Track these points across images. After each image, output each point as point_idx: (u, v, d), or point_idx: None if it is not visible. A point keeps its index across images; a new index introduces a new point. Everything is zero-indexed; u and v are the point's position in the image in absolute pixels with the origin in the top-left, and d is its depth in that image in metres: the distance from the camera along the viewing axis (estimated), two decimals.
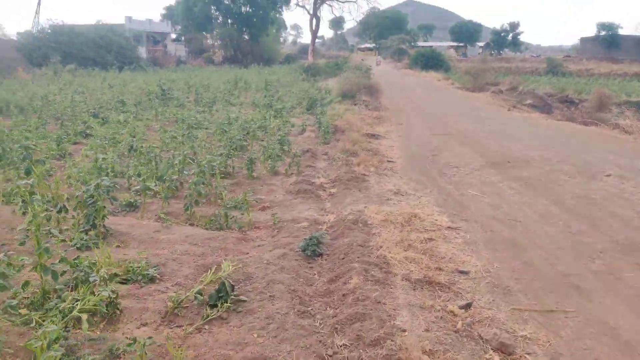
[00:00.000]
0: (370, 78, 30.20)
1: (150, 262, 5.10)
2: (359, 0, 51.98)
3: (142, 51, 47.69)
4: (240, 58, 54.87)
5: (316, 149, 11.55)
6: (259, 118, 14.12)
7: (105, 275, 4.25)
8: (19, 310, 3.95)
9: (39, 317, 3.83)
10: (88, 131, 11.91)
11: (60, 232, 5.85)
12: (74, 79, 28.78)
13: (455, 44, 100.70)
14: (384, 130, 15.15)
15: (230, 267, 4.61)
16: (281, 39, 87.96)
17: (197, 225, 6.39)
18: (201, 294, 4.26)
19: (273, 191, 8.02)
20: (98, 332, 3.92)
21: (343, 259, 5.21)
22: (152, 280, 4.80)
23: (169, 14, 62.80)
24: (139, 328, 4.02)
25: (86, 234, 5.64)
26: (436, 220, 6.62)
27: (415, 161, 10.75)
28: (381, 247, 5.40)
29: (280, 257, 5.22)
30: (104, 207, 5.74)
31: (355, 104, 20.57)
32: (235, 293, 4.38)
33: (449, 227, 6.40)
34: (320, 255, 5.39)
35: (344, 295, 4.42)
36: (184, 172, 7.20)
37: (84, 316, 3.61)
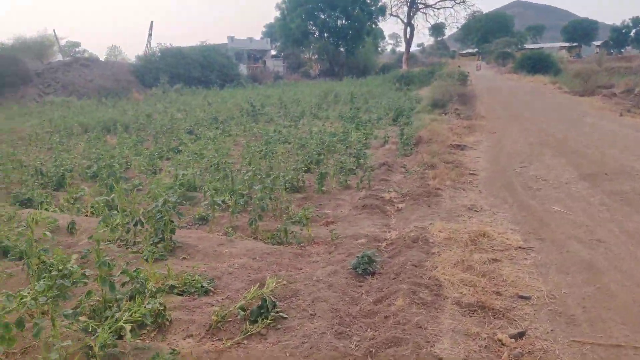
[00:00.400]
0: (465, 85, 29.20)
1: (208, 275, 5.32)
2: (456, 6, 50.29)
3: (243, 69, 50.21)
4: (336, 71, 55.79)
5: (394, 162, 11.37)
6: (341, 131, 14.20)
7: (154, 288, 4.50)
8: (79, 318, 4.31)
9: (95, 325, 4.15)
10: (180, 147, 12.73)
11: (134, 244, 6.34)
12: (180, 98, 31.05)
13: (567, 44, 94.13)
14: (473, 140, 14.52)
15: (274, 284, 4.67)
16: (379, 49, 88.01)
17: (260, 239, 6.57)
18: (244, 309, 4.36)
19: (340, 206, 8.02)
20: (147, 341, 4.16)
21: (394, 278, 5.06)
22: (206, 292, 5.01)
23: (269, 32, 65.54)
24: (184, 339, 4.21)
25: (155, 246, 6.03)
26: (507, 239, 6.20)
27: (500, 174, 10.17)
28: (436, 267, 5.17)
29: (330, 274, 5.20)
30: (172, 221, 6.10)
31: (445, 113, 19.97)
32: (277, 310, 4.43)
33: (519, 247, 5.96)
34: (373, 273, 5.28)
35: (385, 317, 4.29)
36: (253, 187, 7.43)
37: (128, 326, 3.86)
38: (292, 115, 19.75)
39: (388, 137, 14.33)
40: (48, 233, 4.56)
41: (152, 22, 50.68)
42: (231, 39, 57.74)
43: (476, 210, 7.52)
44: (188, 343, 4.15)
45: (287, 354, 3.83)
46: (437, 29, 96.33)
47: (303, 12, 55.39)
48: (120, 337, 4.09)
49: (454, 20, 74.71)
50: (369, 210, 7.54)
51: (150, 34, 49.94)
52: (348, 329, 4.19)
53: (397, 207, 7.82)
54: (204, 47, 45.80)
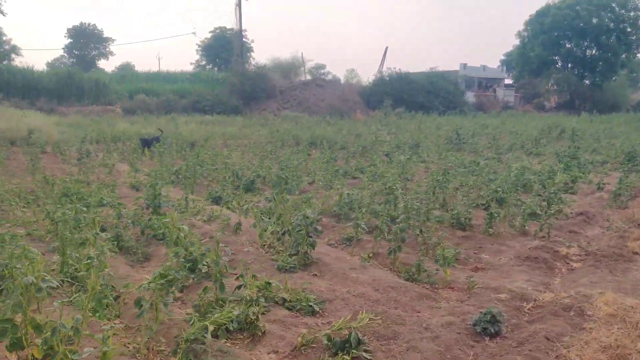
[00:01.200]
0: None
1: (322, 296, 5.30)
2: None
3: (469, 96, 48.91)
4: (576, 104, 50.23)
5: (597, 213, 9.64)
6: (546, 170, 12.70)
7: (248, 297, 4.65)
8: (187, 310, 4.74)
9: (198, 319, 4.50)
10: (369, 168, 13.01)
11: (278, 252, 6.70)
12: (398, 121, 31.83)
13: None
14: None
15: (368, 319, 4.39)
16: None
17: (395, 271, 6.27)
18: (330, 339, 4.20)
19: (501, 252, 7.12)
20: (237, 347, 4.33)
21: (515, 347, 4.28)
22: (312, 313, 5.00)
23: (506, 61, 62.70)
24: (268, 354, 4.26)
25: (290, 257, 6.27)
26: None
27: None
28: (573, 346, 4.18)
29: (444, 325, 4.66)
30: (310, 237, 6.25)
31: None
32: (365, 348, 4.15)
33: None
34: (495, 335, 4.54)
35: None
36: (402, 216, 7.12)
37: (211, 327, 4.07)
38: (501, 148, 18.44)
39: (603, 183, 12.24)
40: (185, 227, 5.14)
41: (386, 48, 53.31)
42: (463, 66, 56.97)
43: None
44: (270, 358, 4.19)
45: None
46: None
47: (546, 40, 51.52)
48: (217, 336, 4.37)
49: None
50: (531, 263, 6.53)
51: (383, 59, 52.54)
52: None
53: (570, 266, 6.60)
54: (432, 73, 46.16)
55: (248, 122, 27.32)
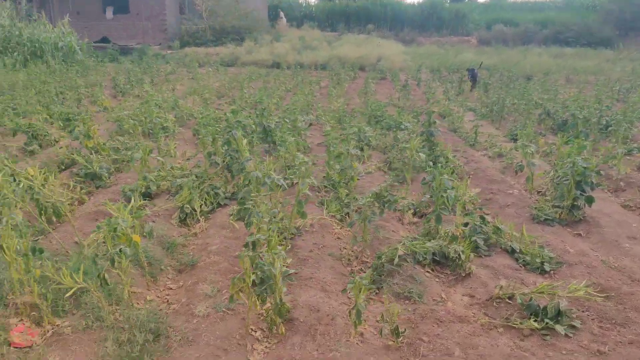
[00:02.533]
0: None
1: (564, 257, 4.55)
2: None
3: None
4: None
5: None
6: None
7: (451, 234, 4.37)
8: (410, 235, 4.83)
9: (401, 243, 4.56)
10: None
11: (545, 201, 5.95)
12: None
13: None
14: None
15: (583, 292, 3.55)
16: None
17: None
18: (530, 299, 3.65)
19: None
20: (435, 280, 4.25)
21: None
22: (540, 271, 4.39)
23: None
24: (462, 295, 4.07)
25: (552, 209, 5.48)
26: None
27: None
28: None
29: None
30: (583, 192, 5.26)
31: None
32: (568, 322, 3.46)
33: None
34: None
35: None
36: None
37: (400, 251, 4.10)
38: None
39: None
40: (423, 155, 5.09)
41: None
42: None
43: None
44: (461, 300, 3.99)
45: None
46: None
47: None
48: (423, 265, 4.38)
49: None
50: None
51: None
52: None
53: None
54: None
55: (615, 57, 23.09)
